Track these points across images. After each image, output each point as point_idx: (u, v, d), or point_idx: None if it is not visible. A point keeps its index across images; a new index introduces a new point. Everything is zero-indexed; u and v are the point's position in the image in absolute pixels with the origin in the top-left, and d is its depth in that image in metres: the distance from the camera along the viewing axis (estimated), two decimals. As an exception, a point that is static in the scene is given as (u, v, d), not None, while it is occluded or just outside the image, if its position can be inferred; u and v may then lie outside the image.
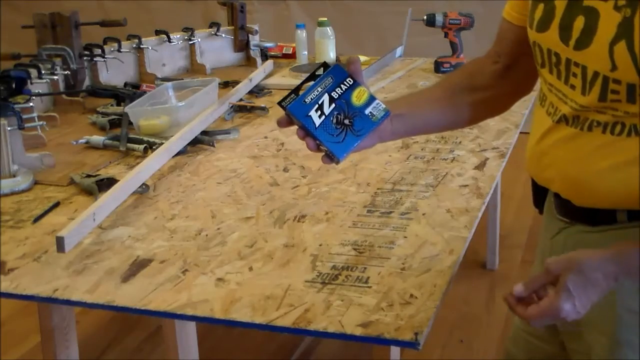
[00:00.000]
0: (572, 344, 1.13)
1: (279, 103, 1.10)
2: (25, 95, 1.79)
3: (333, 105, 1.09)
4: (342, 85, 1.10)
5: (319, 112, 1.08)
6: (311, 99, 1.08)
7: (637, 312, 1.02)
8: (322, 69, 1.11)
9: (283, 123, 1.11)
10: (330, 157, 1.10)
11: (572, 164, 1.03)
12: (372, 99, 1.10)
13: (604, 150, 1.00)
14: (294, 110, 1.08)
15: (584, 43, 0.97)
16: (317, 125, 1.08)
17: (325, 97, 1.09)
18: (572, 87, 1.01)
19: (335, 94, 1.09)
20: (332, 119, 1.08)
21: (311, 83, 1.10)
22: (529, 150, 1.12)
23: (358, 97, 1.10)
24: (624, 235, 1.01)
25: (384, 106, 1.10)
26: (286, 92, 1.10)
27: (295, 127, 1.10)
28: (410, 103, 1.21)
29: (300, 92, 1.09)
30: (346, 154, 1.09)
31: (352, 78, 1.10)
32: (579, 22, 0.98)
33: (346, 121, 1.09)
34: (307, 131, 1.08)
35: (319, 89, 1.09)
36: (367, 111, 1.09)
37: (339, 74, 1.10)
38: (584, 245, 1.06)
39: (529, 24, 1.08)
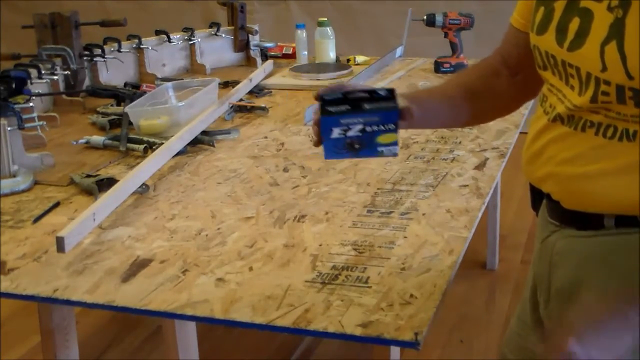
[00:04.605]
0: None
1: (321, 97, 1.09)
2: (25, 95, 1.79)
3: (359, 134, 1.07)
4: (381, 126, 1.07)
5: (341, 132, 1.07)
6: (346, 123, 1.06)
7: None
8: (387, 92, 1.08)
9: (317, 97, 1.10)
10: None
11: (564, 164, 1.03)
12: (394, 143, 1.08)
13: (595, 153, 0.99)
14: (324, 123, 1.07)
15: (577, 44, 0.97)
16: (330, 137, 1.07)
17: (358, 127, 1.06)
18: (572, 87, 1.01)
19: (370, 129, 1.07)
20: (347, 140, 1.07)
21: (365, 106, 1.06)
22: (524, 151, 1.13)
23: (385, 139, 1.07)
24: (611, 243, 1.01)
25: (397, 150, 1.09)
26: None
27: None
28: (420, 97, 1.20)
29: (344, 109, 1.06)
30: (334, 159, 1.08)
31: (396, 125, 1.07)
32: (574, 24, 0.98)
33: (356, 146, 1.08)
34: (320, 132, 1.08)
35: (360, 120, 1.06)
36: (380, 148, 1.08)
37: (390, 118, 1.07)
38: (571, 249, 1.06)
39: (531, 27, 1.08)
